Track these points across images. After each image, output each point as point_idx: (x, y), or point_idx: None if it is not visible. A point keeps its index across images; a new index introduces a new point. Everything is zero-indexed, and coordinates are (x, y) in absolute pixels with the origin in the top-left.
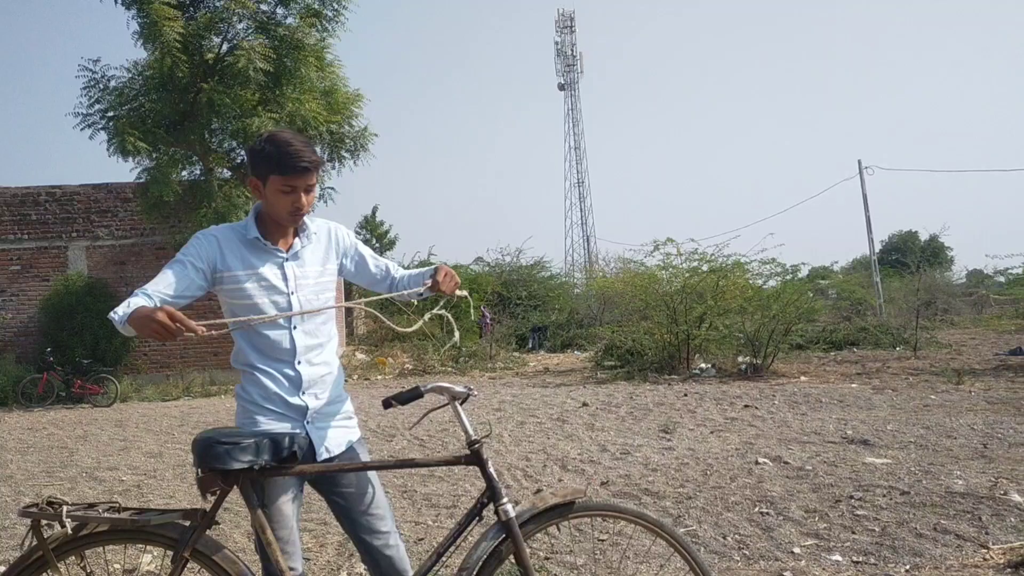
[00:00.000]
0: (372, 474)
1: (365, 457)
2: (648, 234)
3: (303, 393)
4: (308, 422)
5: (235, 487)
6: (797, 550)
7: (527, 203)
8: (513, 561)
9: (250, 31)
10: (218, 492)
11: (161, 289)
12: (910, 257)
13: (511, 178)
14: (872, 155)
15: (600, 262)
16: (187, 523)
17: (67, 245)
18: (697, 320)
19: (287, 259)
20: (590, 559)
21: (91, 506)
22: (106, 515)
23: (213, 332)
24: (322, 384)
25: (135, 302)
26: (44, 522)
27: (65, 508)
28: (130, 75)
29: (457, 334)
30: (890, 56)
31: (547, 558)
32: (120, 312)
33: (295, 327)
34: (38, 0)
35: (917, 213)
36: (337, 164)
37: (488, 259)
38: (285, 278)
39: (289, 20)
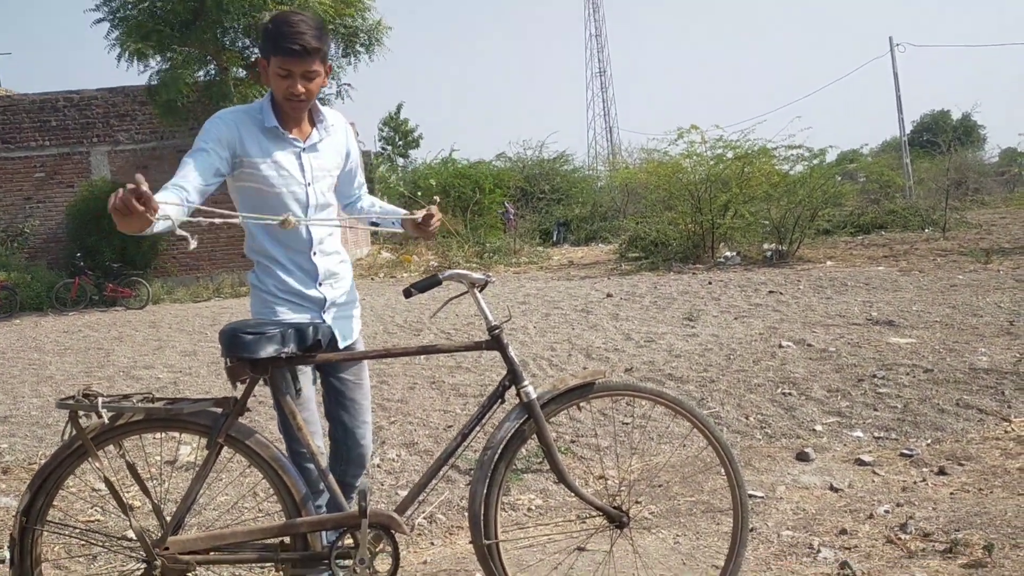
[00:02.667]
0: (366, 366)
1: (361, 346)
2: (672, 123)
3: (320, 285)
4: (326, 312)
5: (263, 375)
6: (819, 427)
7: (549, 96)
8: (537, 441)
9: None
10: (247, 380)
11: (187, 180)
12: (941, 137)
13: (533, 71)
14: (903, 32)
15: (623, 153)
16: (219, 411)
17: (89, 150)
18: (722, 208)
19: (304, 149)
20: (614, 440)
21: (126, 397)
22: (140, 404)
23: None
24: (336, 274)
25: (158, 197)
26: (81, 413)
27: (100, 399)
28: None
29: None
30: None
31: (572, 441)
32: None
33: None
34: None
35: (950, 91)
36: (353, 59)
37: (510, 154)
38: (302, 168)
39: None
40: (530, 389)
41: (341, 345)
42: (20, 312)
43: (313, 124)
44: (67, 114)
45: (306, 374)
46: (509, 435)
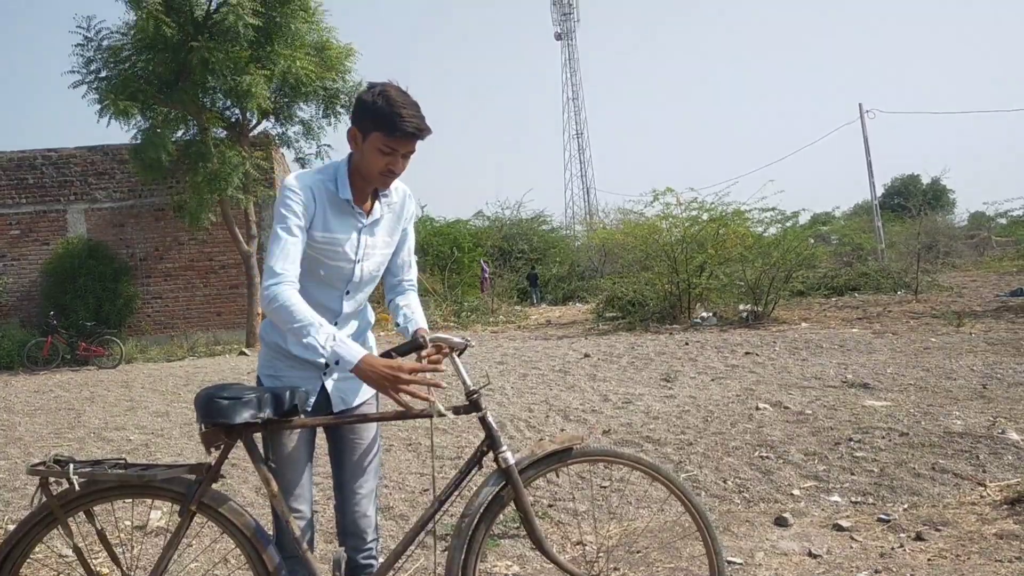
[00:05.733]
0: (379, 435)
1: (373, 408)
2: (648, 184)
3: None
4: (325, 375)
5: (239, 441)
6: (796, 492)
7: (526, 157)
8: (514, 507)
9: None
10: (222, 446)
11: (298, 270)
12: (912, 201)
13: (509, 132)
14: (873, 99)
15: (600, 214)
16: (192, 477)
17: (66, 208)
18: (698, 269)
19: (365, 226)
20: (591, 505)
21: (98, 463)
22: (112, 471)
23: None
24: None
25: (334, 342)
26: (52, 480)
27: (72, 465)
28: (123, 35)
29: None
30: None
31: (550, 505)
32: (343, 355)
33: (348, 292)
34: None
35: (919, 156)
36: (333, 120)
37: (488, 213)
38: (357, 245)
39: None
40: (508, 455)
41: (337, 408)
42: None
43: (376, 198)
44: (45, 172)
45: (292, 434)
46: (487, 501)
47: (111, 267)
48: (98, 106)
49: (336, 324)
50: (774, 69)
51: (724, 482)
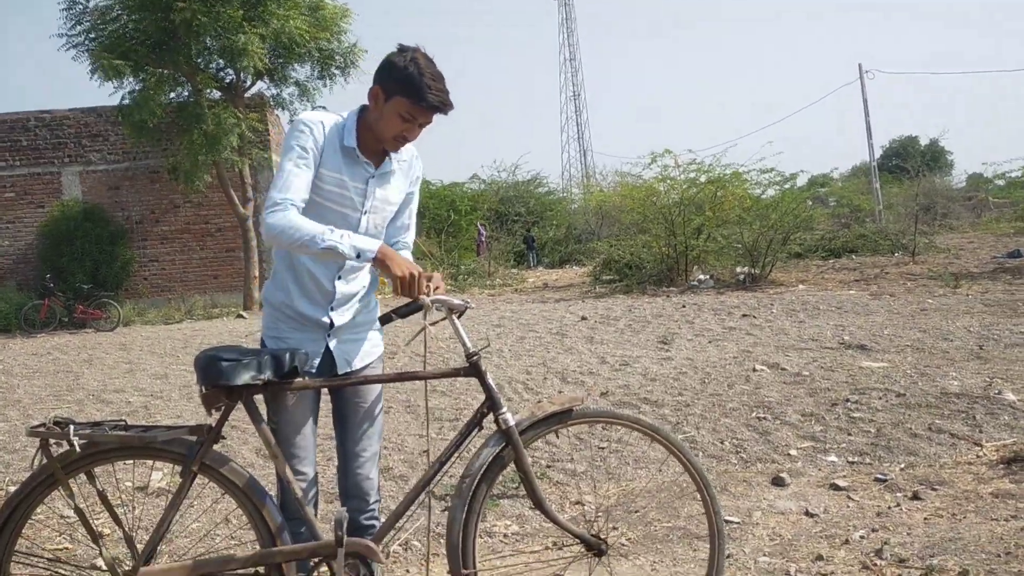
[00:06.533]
0: (381, 397)
1: (379, 369)
2: (646, 147)
3: (332, 309)
4: (329, 336)
5: (239, 402)
6: (793, 452)
7: (523, 119)
8: (514, 468)
9: None
10: (223, 408)
11: (303, 197)
12: (910, 162)
13: (506, 94)
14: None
15: (597, 176)
16: (194, 439)
17: (60, 171)
18: (695, 232)
19: (373, 176)
20: (590, 466)
21: (98, 424)
22: (113, 433)
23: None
24: (352, 301)
25: (350, 238)
26: (52, 441)
27: (72, 427)
28: None
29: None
30: None
31: (548, 466)
32: (362, 246)
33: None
34: None
35: (918, 118)
36: (328, 81)
37: (484, 176)
38: (365, 195)
39: None
40: (508, 416)
41: (341, 370)
42: None
43: (386, 153)
44: (38, 134)
45: (299, 396)
46: (488, 462)
47: (107, 230)
48: (90, 68)
49: (340, 277)
50: (774, 30)
51: (721, 443)
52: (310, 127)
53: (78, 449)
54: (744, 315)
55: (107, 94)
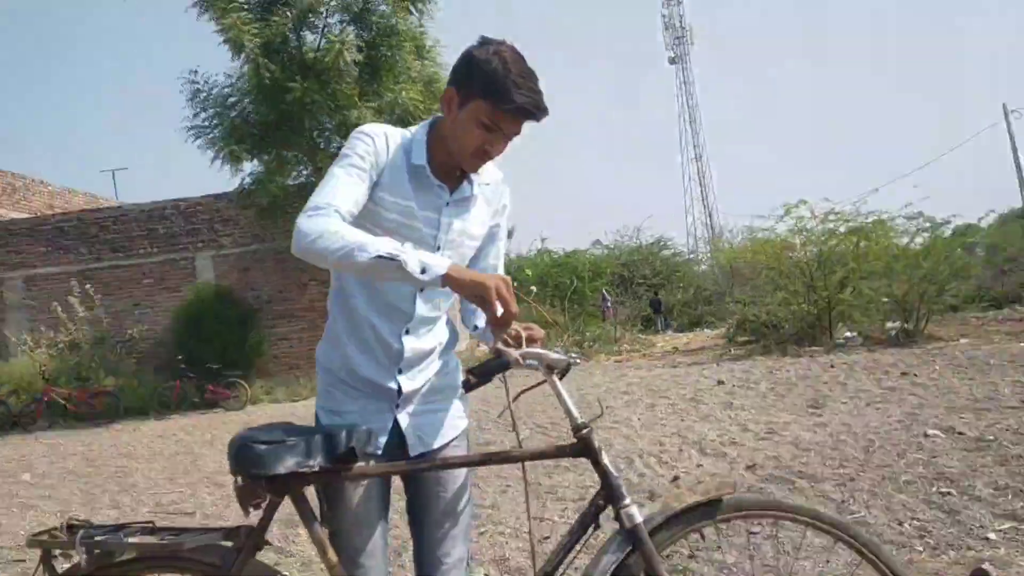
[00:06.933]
0: (469, 484)
1: (463, 450)
2: (774, 203)
3: (400, 372)
4: (398, 407)
5: (284, 496)
6: (992, 535)
7: (643, 183)
8: None
9: (344, 23)
10: (265, 505)
11: (351, 209)
12: None
13: (625, 159)
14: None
15: (726, 234)
16: (230, 544)
17: (194, 256)
18: (839, 285)
19: (448, 203)
20: (742, 555)
21: (120, 528)
22: (130, 540)
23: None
24: (424, 362)
25: (407, 252)
26: (57, 552)
27: (80, 533)
28: (230, 82)
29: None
30: None
31: (691, 556)
32: (429, 260)
33: (422, 289)
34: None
35: None
36: None
37: (606, 241)
38: (438, 226)
39: (382, 7)
40: (634, 510)
41: (415, 451)
42: (124, 417)
43: (464, 176)
44: (174, 222)
45: (363, 487)
46: (609, 573)
47: (237, 311)
48: (212, 156)
49: (407, 332)
50: (904, 76)
51: (899, 524)
52: (371, 137)
53: (83, 564)
54: (903, 373)
55: (226, 179)
